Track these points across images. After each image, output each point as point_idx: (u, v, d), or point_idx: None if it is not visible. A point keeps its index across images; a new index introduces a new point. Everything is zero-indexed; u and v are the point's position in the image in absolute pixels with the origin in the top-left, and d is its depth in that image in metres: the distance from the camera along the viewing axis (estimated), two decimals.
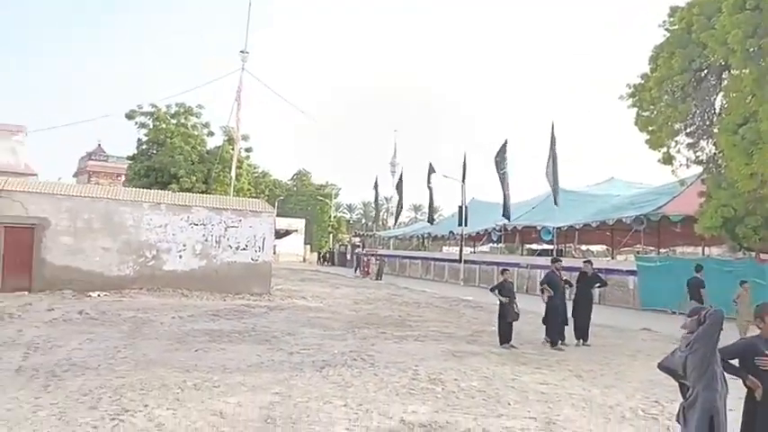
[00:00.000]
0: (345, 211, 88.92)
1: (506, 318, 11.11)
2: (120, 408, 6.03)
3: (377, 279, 32.85)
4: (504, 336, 11.06)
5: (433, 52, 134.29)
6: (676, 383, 4.22)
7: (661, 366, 4.22)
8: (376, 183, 51.40)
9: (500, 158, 30.29)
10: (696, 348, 3.88)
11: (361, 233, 60.14)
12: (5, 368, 7.68)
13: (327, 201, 66.88)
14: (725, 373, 3.97)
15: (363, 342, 10.94)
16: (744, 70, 15.75)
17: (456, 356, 9.78)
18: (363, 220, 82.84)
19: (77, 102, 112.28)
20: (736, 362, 4.15)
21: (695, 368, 3.88)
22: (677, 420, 4.13)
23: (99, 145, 58.59)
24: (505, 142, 30.39)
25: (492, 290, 11.76)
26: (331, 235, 65.65)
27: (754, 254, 17.99)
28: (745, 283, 12.57)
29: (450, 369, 8.66)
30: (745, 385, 4.05)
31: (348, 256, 51.91)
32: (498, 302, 11.36)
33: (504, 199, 29.99)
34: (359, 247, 51.21)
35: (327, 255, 56.64)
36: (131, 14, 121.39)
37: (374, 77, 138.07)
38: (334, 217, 69.76)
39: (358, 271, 37.48)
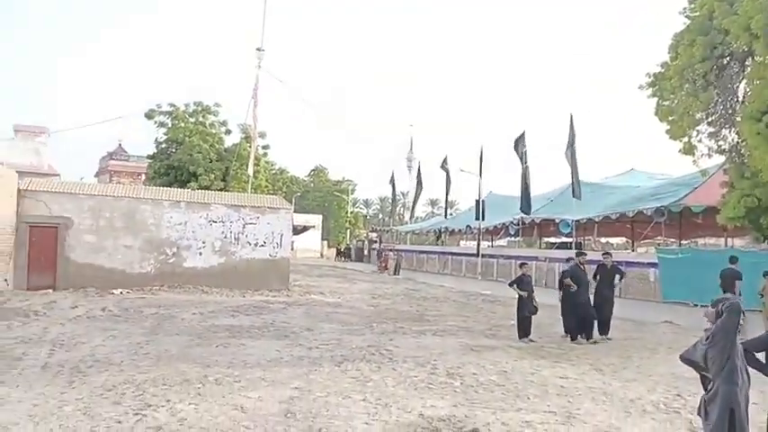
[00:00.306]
0: (362, 206, 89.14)
1: (525, 312, 11.04)
2: (144, 403, 6.14)
3: (394, 274, 32.88)
4: (524, 330, 11.00)
5: (449, 47, 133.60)
6: (698, 376, 4.16)
7: (683, 358, 4.17)
8: (392, 177, 51.43)
9: (520, 151, 29.98)
10: (715, 341, 3.82)
11: (378, 228, 60.16)
12: (32, 365, 7.85)
13: (344, 196, 67.06)
14: (747, 367, 3.90)
15: (382, 337, 10.97)
16: (767, 57, 15.41)
17: (474, 351, 9.76)
18: (380, 216, 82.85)
19: (98, 102, 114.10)
20: (762, 355, 4.06)
21: (715, 361, 3.82)
22: (698, 414, 4.07)
23: (120, 145, 59.40)
24: (523, 133, 30.08)
25: (511, 284, 11.67)
26: (348, 230, 65.88)
27: None
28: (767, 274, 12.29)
29: (469, 363, 8.64)
30: None
31: (365, 252, 52.02)
32: (517, 296, 11.30)
33: (523, 192, 29.74)
34: (376, 242, 51.30)
35: (345, 250, 56.86)
36: (148, 15, 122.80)
37: (390, 74, 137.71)
38: (351, 212, 69.97)
39: (376, 266, 37.59)
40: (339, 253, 56.77)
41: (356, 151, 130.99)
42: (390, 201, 59.98)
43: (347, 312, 14.78)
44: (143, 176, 45.27)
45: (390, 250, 39.29)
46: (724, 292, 12.28)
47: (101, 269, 17.81)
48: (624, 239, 35.30)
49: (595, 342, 10.91)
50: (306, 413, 5.95)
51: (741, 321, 3.93)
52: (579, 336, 11.06)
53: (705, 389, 3.99)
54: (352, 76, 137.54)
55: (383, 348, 9.71)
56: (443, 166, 40.39)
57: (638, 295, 19.96)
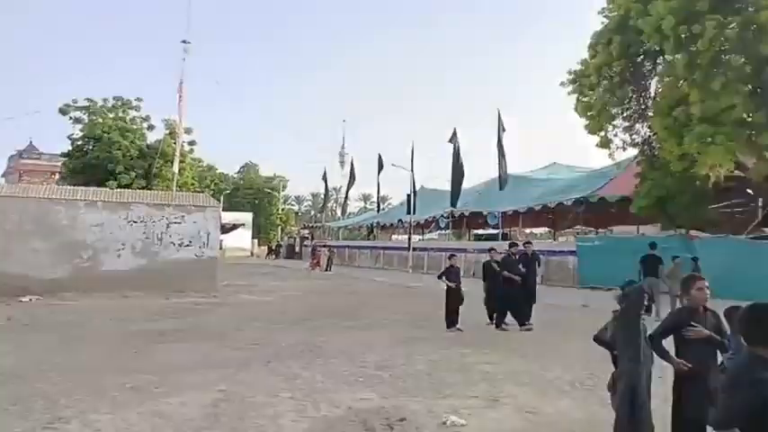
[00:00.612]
0: (294, 203, 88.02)
1: (453, 302, 11.29)
2: (54, 415, 5.75)
3: (326, 270, 32.72)
4: (451, 320, 11.24)
5: (378, 41, 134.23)
6: (609, 355, 4.40)
7: (595, 339, 4.40)
8: (325, 173, 51.14)
9: (455, 145, 30.53)
10: (621, 322, 4.06)
11: (310, 225, 59.67)
12: None
13: (275, 193, 65.92)
14: (650, 345, 4.15)
15: (312, 334, 10.87)
16: (676, 56, 16.49)
17: (404, 342, 9.86)
18: (312, 212, 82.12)
19: (6, 98, 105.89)
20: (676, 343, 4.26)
21: (621, 341, 4.05)
22: (608, 389, 4.32)
23: (30, 142, 55.58)
24: (455, 132, 30.74)
25: (439, 276, 11.95)
26: (279, 228, 64.85)
27: (684, 231, 18.95)
28: (677, 259, 13.23)
29: (398, 355, 8.72)
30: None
31: (297, 249, 51.50)
32: (445, 288, 11.52)
33: (453, 186, 30.41)
34: (308, 239, 50.86)
35: (276, 248, 55.97)
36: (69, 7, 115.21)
37: (322, 68, 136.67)
38: (283, 209, 68.91)
39: (308, 263, 37.29)
40: (270, 251, 55.80)
41: (288, 147, 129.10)
42: (323, 197, 59.64)
43: (277, 311, 14.54)
44: (57, 176, 42.59)
45: (322, 247, 39.08)
46: (646, 276, 13.07)
47: (7, 275, 16.53)
48: (547, 229, 36.87)
49: (530, 328, 11.28)
50: (231, 415, 5.78)
51: (647, 303, 4.18)
52: (505, 323, 11.44)
53: (615, 366, 4.22)
54: (283, 69, 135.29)
55: (313, 345, 9.63)
56: (379, 161, 40.56)
57: (559, 282, 20.91)
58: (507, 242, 21.41)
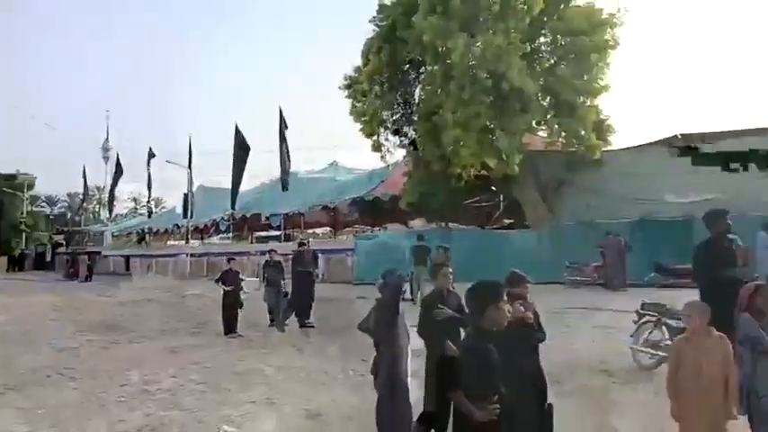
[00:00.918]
0: (45, 204, 75.76)
1: (231, 307, 10.85)
2: None
3: (86, 281, 28.93)
4: (229, 325, 10.76)
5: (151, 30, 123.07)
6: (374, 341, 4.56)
7: (360, 327, 4.54)
8: (84, 171, 45.27)
9: (235, 143, 29.06)
10: (382, 309, 4.26)
11: (67, 229, 52.04)
12: None
13: (19, 193, 55.83)
14: (408, 330, 4.45)
15: (64, 353, 9.39)
16: (434, 67, 18.30)
17: (175, 352, 9.12)
18: (69, 215, 71.81)
19: None
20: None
21: (382, 326, 4.25)
22: (371, 373, 4.49)
23: None
24: (237, 127, 29.29)
25: (216, 281, 11.55)
26: (24, 234, 55.13)
27: (444, 224, 21.37)
28: (441, 248, 14.69)
29: (169, 366, 8.01)
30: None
31: (48, 258, 44.70)
32: (222, 292, 11.03)
33: (233, 187, 29.29)
34: (63, 245, 44.37)
35: (19, 258, 47.50)
36: None
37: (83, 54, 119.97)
38: (29, 212, 58.73)
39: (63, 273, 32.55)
40: (12, 262, 47.09)
41: (37, 140, 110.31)
42: (82, 197, 52.62)
43: (19, 331, 12.24)
44: None
45: (81, 254, 34.45)
46: (417, 264, 14.20)
47: None
48: (328, 229, 38.04)
49: (311, 326, 11.33)
50: None
51: (405, 289, 4.48)
52: (286, 323, 11.36)
53: (378, 352, 4.40)
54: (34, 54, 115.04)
55: (64, 367, 8.29)
56: (150, 155, 36.81)
57: (339, 279, 21.68)
58: (289, 243, 21.57)
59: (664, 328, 6.66)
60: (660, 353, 6.45)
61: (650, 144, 18.77)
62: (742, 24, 57.76)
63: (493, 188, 21.58)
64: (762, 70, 51.59)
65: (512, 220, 21.21)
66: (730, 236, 6.06)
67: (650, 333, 6.88)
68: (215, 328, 11.24)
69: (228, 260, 12.13)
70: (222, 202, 30.85)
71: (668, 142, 17.90)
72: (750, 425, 3.86)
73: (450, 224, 21.40)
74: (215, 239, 37.10)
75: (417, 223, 24.32)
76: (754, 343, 3.80)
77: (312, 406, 5.95)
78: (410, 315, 4.85)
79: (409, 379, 4.44)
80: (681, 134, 17.76)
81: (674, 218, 15.19)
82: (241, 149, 28.71)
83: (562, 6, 17.96)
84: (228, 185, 30.04)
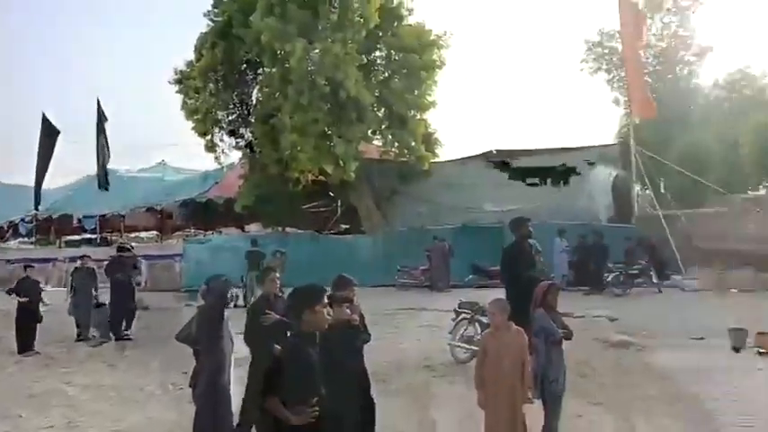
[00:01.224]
0: None
1: (26, 320, 9.46)
2: None
3: None
4: (25, 342, 9.35)
5: None
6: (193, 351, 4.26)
7: (178, 337, 4.22)
8: None
9: (40, 134, 25.21)
10: (204, 316, 4.01)
11: None
12: None
13: None
14: (232, 336, 4.24)
15: None
16: (272, 69, 17.87)
17: None
18: None
19: None
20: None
21: (204, 335, 4.00)
22: (189, 386, 4.20)
23: None
24: (44, 116, 25.45)
25: (9, 292, 10.06)
26: None
27: (281, 228, 20.99)
28: (278, 253, 14.40)
29: None
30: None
31: None
32: (17, 304, 9.57)
33: (36, 184, 25.65)
34: None
35: None
36: None
37: None
38: None
39: None
40: None
41: None
42: None
43: None
44: None
45: None
46: (250, 270, 13.75)
47: None
48: (155, 233, 35.22)
49: (129, 338, 10.38)
50: None
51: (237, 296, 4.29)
52: (94, 336, 10.22)
53: (197, 361, 4.12)
54: None
55: None
56: None
57: (165, 286, 20.13)
58: (107, 248, 19.38)
59: (476, 324, 7.25)
60: (473, 347, 6.98)
61: (471, 157, 20.45)
62: (549, 56, 66.89)
63: (330, 194, 21.78)
64: (563, 93, 59.94)
65: (348, 226, 21.58)
66: (530, 240, 6.85)
67: (465, 329, 7.46)
68: (7, 345, 9.70)
69: (25, 267, 10.73)
70: (25, 202, 26.86)
71: (486, 156, 19.78)
72: (543, 406, 4.34)
73: (288, 229, 21.11)
74: (13, 244, 32.17)
75: (254, 227, 23.64)
76: (547, 334, 4.28)
77: (122, 426, 5.39)
78: (237, 322, 4.64)
79: (232, 387, 4.24)
80: (496, 150, 19.71)
81: (491, 224, 16.68)
82: (46, 136, 25.15)
83: (396, 23, 18.78)
84: (29, 182, 26.17)
